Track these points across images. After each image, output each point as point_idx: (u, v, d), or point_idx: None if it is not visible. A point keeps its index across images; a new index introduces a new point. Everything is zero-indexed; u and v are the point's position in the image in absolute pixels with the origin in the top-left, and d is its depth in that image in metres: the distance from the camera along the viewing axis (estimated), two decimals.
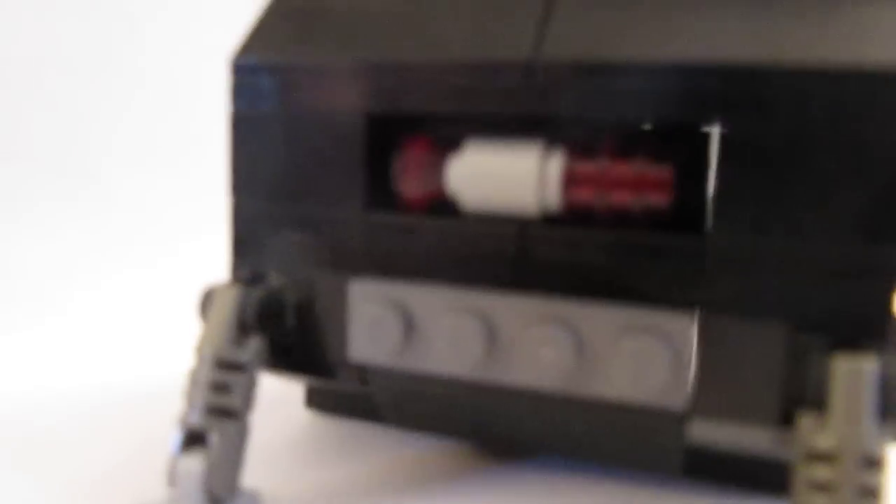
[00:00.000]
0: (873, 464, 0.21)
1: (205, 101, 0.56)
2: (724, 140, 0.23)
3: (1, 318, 0.48)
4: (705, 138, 0.24)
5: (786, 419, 0.24)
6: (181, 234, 0.56)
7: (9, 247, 0.53)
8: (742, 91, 0.23)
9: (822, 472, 0.22)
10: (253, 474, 0.29)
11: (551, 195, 0.25)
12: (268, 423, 0.32)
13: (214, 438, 0.26)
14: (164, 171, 0.58)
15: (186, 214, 0.57)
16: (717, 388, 0.24)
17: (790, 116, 0.23)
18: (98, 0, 0.55)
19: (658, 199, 0.25)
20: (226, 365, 0.27)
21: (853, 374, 0.22)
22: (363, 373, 0.28)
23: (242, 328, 0.27)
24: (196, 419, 0.26)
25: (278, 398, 0.35)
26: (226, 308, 0.27)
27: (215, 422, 0.26)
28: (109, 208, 0.56)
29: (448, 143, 0.27)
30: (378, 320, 0.26)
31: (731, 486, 0.30)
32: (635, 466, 0.29)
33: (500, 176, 0.26)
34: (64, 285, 0.52)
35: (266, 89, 0.28)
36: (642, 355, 0.24)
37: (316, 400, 0.34)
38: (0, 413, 0.36)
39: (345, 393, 0.32)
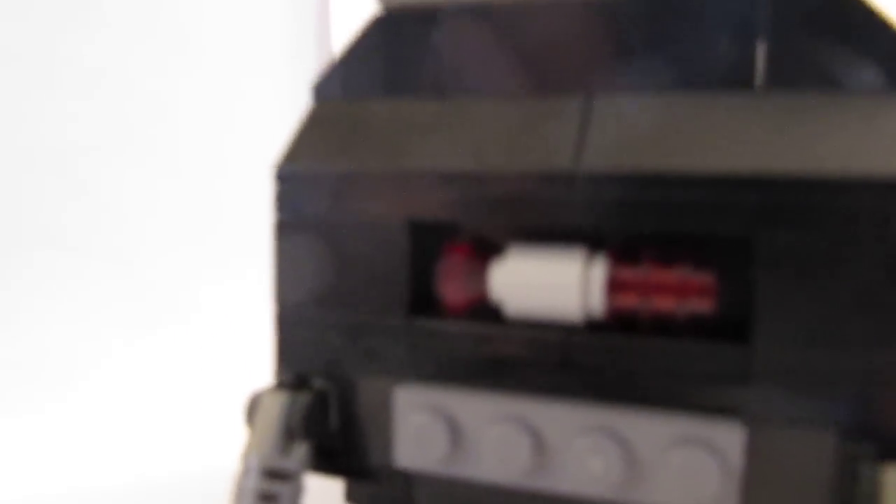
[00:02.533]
0: None
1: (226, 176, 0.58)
2: (767, 250, 0.24)
3: (14, 402, 0.47)
4: (747, 246, 0.24)
5: None
6: (203, 312, 0.57)
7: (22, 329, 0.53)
8: (783, 202, 0.23)
9: None
10: None
11: (595, 301, 0.26)
12: None
13: None
14: (187, 249, 0.59)
15: (205, 296, 0.57)
16: (766, 499, 0.24)
17: (830, 227, 0.23)
18: (129, 86, 0.56)
19: (702, 306, 0.26)
20: (273, 474, 0.27)
21: None
22: (408, 479, 0.28)
23: (289, 434, 0.28)
24: None
25: (317, 490, 0.35)
26: (272, 415, 0.28)
27: None
28: (131, 282, 0.56)
29: (490, 249, 0.28)
30: (424, 428, 0.26)
31: None
32: None
33: (544, 282, 0.26)
34: (79, 366, 0.51)
35: (309, 198, 0.29)
36: (690, 466, 0.24)
37: (357, 494, 0.34)
38: None
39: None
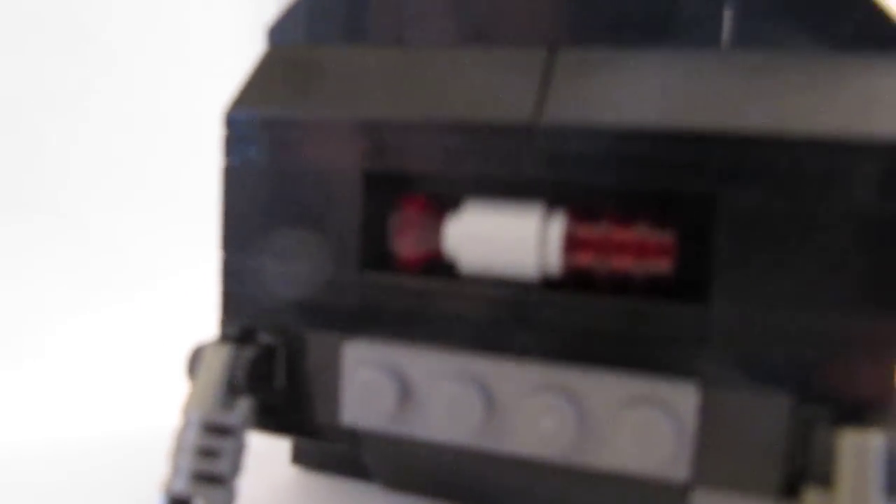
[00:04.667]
0: None
1: (187, 140, 0.56)
2: (728, 209, 0.23)
3: None
4: (709, 206, 0.24)
5: (789, 491, 0.23)
6: (158, 274, 0.55)
7: None
8: (746, 160, 0.23)
9: None
10: None
11: (552, 259, 0.25)
12: (253, 481, 0.31)
13: None
14: (142, 207, 0.57)
15: (165, 253, 0.56)
16: (720, 460, 0.24)
17: (793, 186, 0.23)
18: (82, 35, 0.54)
19: (660, 266, 0.25)
20: (214, 429, 0.26)
21: (860, 451, 0.21)
22: (355, 436, 0.27)
23: (231, 389, 0.27)
24: (181, 486, 0.25)
25: (263, 453, 0.34)
26: (215, 368, 0.27)
27: (201, 488, 0.25)
28: (85, 247, 0.54)
29: (446, 203, 0.27)
30: (372, 384, 0.26)
31: None
32: None
33: (500, 238, 0.25)
34: (37, 328, 0.50)
35: (259, 144, 0.27)
36: (645, 426, 0.23)
37: (303, 457, 0.33)
38: None
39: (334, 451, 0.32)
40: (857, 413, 0.22)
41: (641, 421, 0.23)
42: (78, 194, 0.54)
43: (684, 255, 0.25)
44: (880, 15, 0.24)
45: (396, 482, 0.29)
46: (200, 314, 0.40)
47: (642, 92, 0.25)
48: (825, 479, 0.22)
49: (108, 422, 0.40)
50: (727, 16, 0.25)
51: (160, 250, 0.56)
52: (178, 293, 0.54)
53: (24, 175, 0.53)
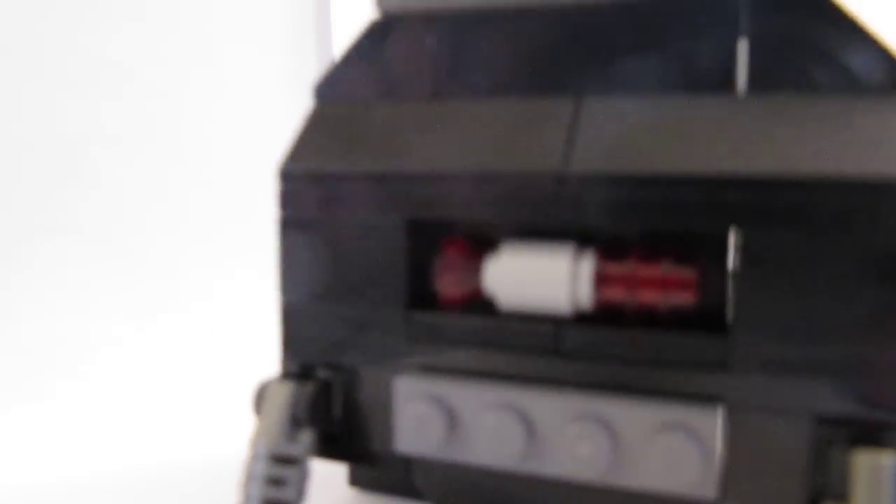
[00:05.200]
0: None
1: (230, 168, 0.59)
2: (743, 246, 0.25)
3: (22, 390, 0.48)
4: (728, 243, 0.26)
5: None
6: (211, 297, 0.58)
7: (25, 314, 0.54)
8: (762, 201, 0.25)
9: None
10: None
11: (583, 295, 0.27)
12: (312, 501, 0.33)
13: None
14: (192, 236, 0.60)
15: (215, 276, 0.58)
16: (745, 479, 0.26)
17: (806, 225, 0.24)
18: (135, 77, 0.57)
19: (684, 299, 0.27)
20: (280, 459, 0.29)
21: (874, 470, 0.23)
22: (408, 462, 0.30)
23: (294, 422, 0.29)
24: None
25: (323, 476, 0.37)
26: (279, 404, 0.29)
27: None
28: (136, 272, 0.57)
29: (485, 245, 0.29)
30: (422, 416, 0.28)
31: None
32: None
33: (535, 277, 0.28)
34: (86, 354, 0.52)
35: (311, 196, 0.30)
36: (673, 450, 0.25)
37: (359, 478, 0.36)
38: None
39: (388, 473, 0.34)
40: (872, 435, 0.24)
41: (670, 445, 0.25)
42: (131, 222, 0.57)
43: (707, 289, 0.27)
44: (889, 57, 0.26)
45: (447, 503, 0.32)
46: (251, 339, 0.42)
47: (662, 138, 0.27)
48: (842, 497, 0.24)
49: (169, 449, 0.42)
50: (741, 63, 0.27)
51: (210, 273, 0.59)
52: (230, 317, 0.56)
53: (79, 203, 0.56)
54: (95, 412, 0.46)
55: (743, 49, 0.27)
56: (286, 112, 0.34)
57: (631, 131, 0.27)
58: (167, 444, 0.42)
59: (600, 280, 0.27)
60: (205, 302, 0.57)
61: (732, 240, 0.25)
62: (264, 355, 0.35)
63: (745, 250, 0.25)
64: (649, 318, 0.27)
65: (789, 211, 0.25)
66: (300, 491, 0.29)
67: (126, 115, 0.56)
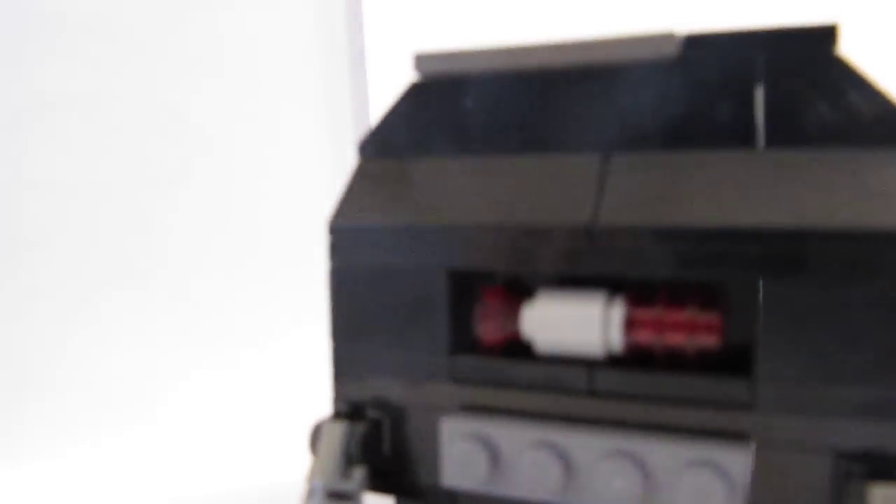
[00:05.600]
0: None
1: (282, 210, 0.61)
2: (767, 295, 0.27)
3: (85, 429, 0.50)
4: (750, 291, 0.28)
5: None
6: (266, 336, 0.61)
7: (90, 353, 0.56)
8: (780, 252, 0.27)
9: None
10: None
11: (615, 338, 0.29)
12: None
13: None
14: (244, 280, 0.63)
15: (270, 316, 0.61)
16: None
17: (821, 274, 0.26)
18: (180, 119, 0.59)
19: (709, 341, 0.29)
20: (335, 495, 0.31)
21: (888, 501, 0.25)
22: (454, 497, 0.32)
23: (348, 459, 0.31)
24: None
25: None
26: (333, 443, 0.31)
27: None
28: (195, 312, 0.60)
29: (522, 292, 0.31)
30: (466, 453, 0.30)
31: None
32: None
33: (569, 322, 0.30)
34: (149, 393, 0.55)
35: (358, 249, 0.32)
36: (701, 487, 0.27)
37: None
38: None
39: None
40: (888, 469, 0.26)
41: (698, 482, 0.27)
42: (185, 267, 0.60)
43: (731, 332, 0.29)
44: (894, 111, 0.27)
45: None
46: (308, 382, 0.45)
47: (684, 192, 0.28)
48: None
49: (232, 482, 0.44)
50: (759, 121, 0.28)
51: (264, 317, 0.61)
52: (281, 358, 0.59)
53: (134, 249, 0.58)
54: (168, 446, 0.49)
55: (759, 104, 0.28)
56: (324, 167, 0.36)
57: (656, 186, 0.29)
58: (231, 478, 0.44)
59: (630, 324, 0.29)
60: (263, 349, 0.60)
61: (754, 288, 0.27)
62: (319, 395, 0.37)
63: (766, 298, 0.27)
64: (677, 361, 0.29)
65: (807, 261, 0.26)
66: None
67: (175, 160, 0.59)
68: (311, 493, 0.31)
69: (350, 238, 0.33)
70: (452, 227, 0.31)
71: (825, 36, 0.28)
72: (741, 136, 0.29)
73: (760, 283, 0.27)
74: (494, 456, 0.30)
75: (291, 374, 0.53)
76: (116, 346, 0.54)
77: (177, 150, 0.58)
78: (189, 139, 0.59)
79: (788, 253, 0.27)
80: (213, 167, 0.60)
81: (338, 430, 0.32)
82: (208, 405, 0.54)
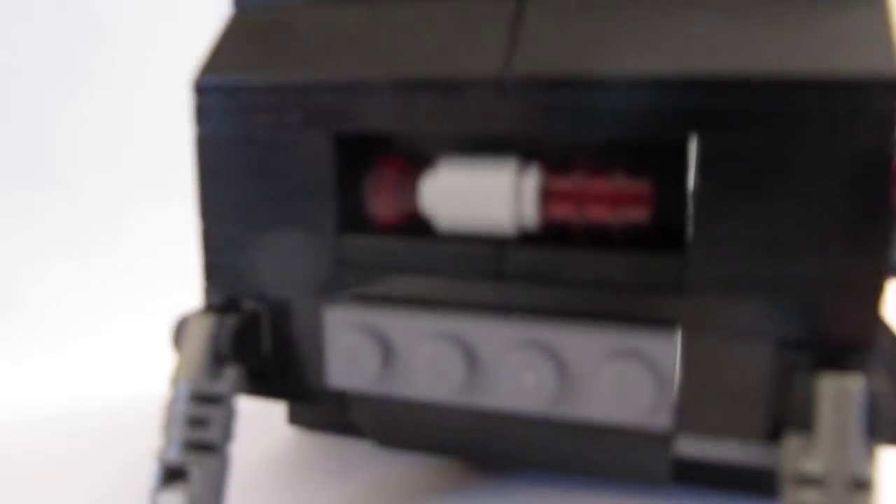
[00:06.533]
0: (862, 486, 0.21)
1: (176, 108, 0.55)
2: (701, 154, 0.23)
3: None
4: (685, 153, 0.23)
5: (773, 435, 0.23)
6: (152, 244, 0.55)
7: None
8: (721, 104, 0.22)
9: (810, 496, 0.21)
10: (237, 498, 0.28)
11: (528, 212, 0.25)
12: (250, 443, 0.31)
13: (194, 473, 0.26)
14: (133, 177, 0.57)
15: (158, 224, 0.56)
16: (702, 407, 0.24)
17: (765, 129, 0.22)
18: (68, 6, 0.53)
19: (637, 215, 0.25)
20: (202, 398, 0.26)
21: (840, 395, 0.21)
22: (343, 398, 0.27)
23: (217, 358, 0.27)
24: (174, 455, 0.26)
25: (259, 414, 0.35)
26: (200, 338, 0.27)
27: (194, 457, 0.26)
28: (79, 215, 0.54)
29: (421, 161, 0.27)
30: (355, 347, 0.26)
31: (721, 490, 0.30)
32: (623, 478, 0.29)
33: (475, 194, 0.25)
34: (28, 292, 0.50)
35: (229, 111, 0.27)
36: (625, 378, 0.23)
37: (299, 417, 0.34)
38: None
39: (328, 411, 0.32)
40: (838, 358, 0.22)
41: (621, 373, 0.23)
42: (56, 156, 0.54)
43: (663, 205, 0.25)
44: None
45: (388, 440, 0.29)
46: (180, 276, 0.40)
47: (612, 38, 0.24)
48: (806, 425, 0.22)
49: (99, 391, 0.40)
50: None
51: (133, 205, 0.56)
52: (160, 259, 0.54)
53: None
54: (24, 347, 0.44)
55: None
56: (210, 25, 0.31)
57: (579, 31, 0.24)
58: (86, 383, 0.40)
59: (546, 196, 0.25)
60: (128, 235, 0.54)
61: (691, 148, 0.23)
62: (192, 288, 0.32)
63: (704, 160, 0.23)
64: (600, 238, 0.25)
65: (752, 114, 0.22)
66: (226, 431, 0.26)
67: (50, 41, 0.52)
68: (174, 397, 0.26)
69: (220, 98, 0.27)
70: (340, 83, 0.26)
71: None
72: None
73: (698, 141, 0.23)
74: (387, 350, 0.26)
75: (172, 275, 0.48)
76: None
77: (55, 26, 0.51)
78: (67, 8, 0.52)
79: (729, 105, 0.22)
80: (93, 37, 0.53)
81: (205, 324, 0.27)
82: (72, 305, 0.49)
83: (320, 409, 0.32)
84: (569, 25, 0.25)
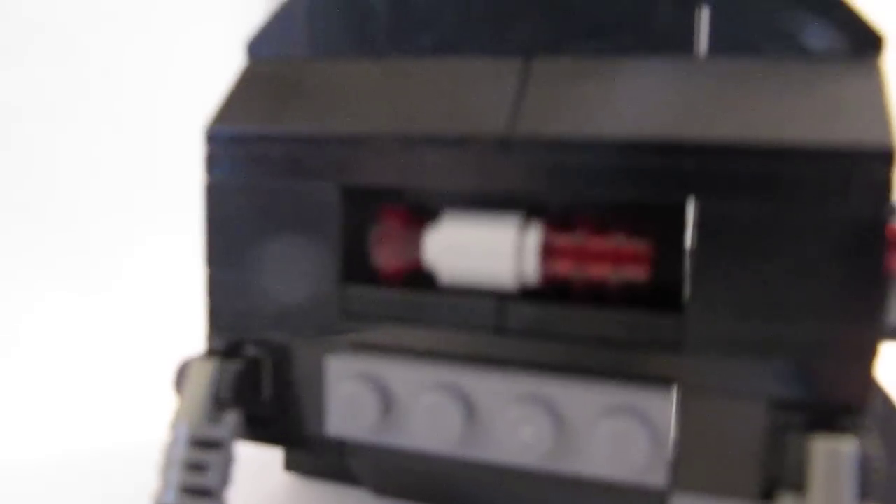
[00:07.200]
0: None
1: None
2: (699, 216, 0.23)
3: None
4: (683, 214, 0.24)
5: (767, 495, 0.24)
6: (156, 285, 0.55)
7: None
8: (719, 169, 0.23)
9: None
10: None
11: (529, 268, 0.25)
12: (246, 488, 0.31)
13: None
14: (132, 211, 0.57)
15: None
16: (697, 465, 0.24)
17: (763, 194, 0.23)
18: (58, 42, 0.54)
19: (636, 274, 0.25)
20: (201, 443, 0.26)
21: (833, 457, 0.22)
22: (341, 446, 0.28)
23: (218, 402, 0.27)
24: (171, 499, 0.26)
25: (257, 460, 0.35)
26: (201, 383, 0.27)
27: (191, 501, 0.26)
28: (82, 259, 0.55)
29: (426, 214, 0.27)
30: (355, 397, 0.26)
31: None
32: None
33: (478, 248, 0.26)
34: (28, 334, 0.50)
35: (239, 160, 0.28)
36: (621, 435, 0.23)
37: (295, 464, 0.34)
38: None
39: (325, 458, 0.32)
40: (830, 420, 0.22)
41: (617, 430, 0.23)
42: (60, 191, 0.54)
43: (662, 264, 0.26)
44: (855, 20, 0.24)
45: (385, 489, 0.30)
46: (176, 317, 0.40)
47: (615, 102, 0.25)
48: (799, 486, 0.22)
49: (97, 435, 0.40)
50: (702, 23, 0.25)
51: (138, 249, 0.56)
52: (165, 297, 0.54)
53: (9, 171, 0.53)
54: (18, 384, 0.44)
55: (705, 10, 0.25)
56: (224, 74, 0.31)
57: (582, 94, 0.25)
58: (86, 427, 0.40)
59: (548, 252, 0.25)
60: (135, 273, 0.55)
61: (689, 211, 0.24)
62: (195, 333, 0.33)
63: (702, 222, 0.23)
64: (599, 295, 0.26)
65: (750, 180, 0.23)
66: (224, 476, 0.27)
67: (58, 79, 0.53)
68: (174, 441, 0.26)
69: (229, 147, 0.28)
70: (348, 137, 0.27)
71: None
72: (681, 41, 0.25)
73: (697, 204, 0.23)
74: (386, 400, 0.26)
75: (170, 315, 0.48)
76: None
77: (61, 64, 0.52)
78: (74, 47, 0.53)
79: (730, 170, 0.23)
80: (101, 76, 0.54)
81: (207, 368, 0.27)
82: (68, 343, 0.49)
83: (318, 455, 0.32)
84: (573, 88, 0.25)
